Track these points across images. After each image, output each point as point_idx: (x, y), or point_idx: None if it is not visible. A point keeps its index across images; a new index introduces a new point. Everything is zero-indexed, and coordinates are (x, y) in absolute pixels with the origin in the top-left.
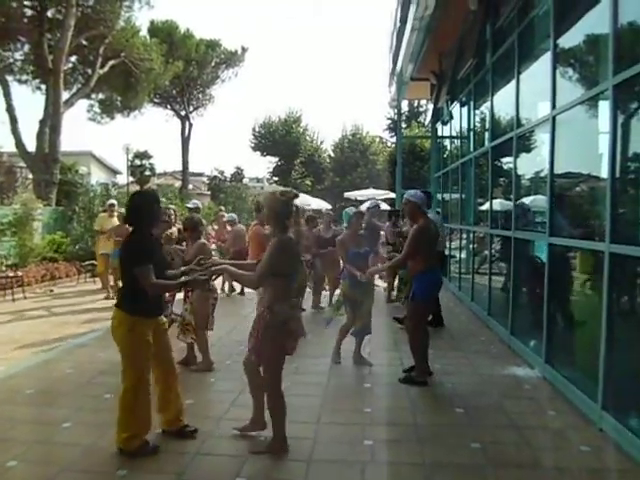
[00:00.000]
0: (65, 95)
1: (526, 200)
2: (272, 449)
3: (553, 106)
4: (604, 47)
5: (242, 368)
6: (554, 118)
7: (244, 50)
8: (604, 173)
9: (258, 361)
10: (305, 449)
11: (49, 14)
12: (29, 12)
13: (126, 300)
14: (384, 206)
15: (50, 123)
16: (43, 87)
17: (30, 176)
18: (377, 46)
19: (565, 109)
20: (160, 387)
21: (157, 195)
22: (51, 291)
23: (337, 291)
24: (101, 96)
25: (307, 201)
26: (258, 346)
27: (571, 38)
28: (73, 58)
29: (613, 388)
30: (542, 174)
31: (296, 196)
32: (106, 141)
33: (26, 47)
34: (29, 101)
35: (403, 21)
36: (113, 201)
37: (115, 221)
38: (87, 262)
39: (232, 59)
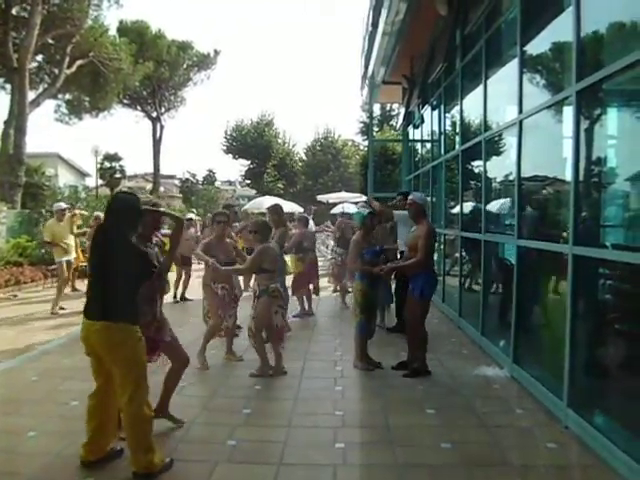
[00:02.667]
0: (31, 95)
1: (495, 203)
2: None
3: (520, 111)
4: (568, 54)
5: (212, 372)
6: (521, 122)
7: (216, 53)
8: (568, 177)
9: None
10: (275, 453)
11: (14, 11)
12: None
13: (129, 310)
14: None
15: (15, 123)
16: (8, 86)
17: None
18: (349, 49)
19: (531, 114)
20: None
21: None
22: (15, 296)
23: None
24: (68, 96)
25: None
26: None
27: (537, 45)
28: (39, 57)
29: (578, 386)
30: (510, 177)
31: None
32: (74, 143)
33: None
34: None
35: (374, 25)
36: (62, 204)
37: (65, 227)
38: (53, 266)
39: (204, 61)
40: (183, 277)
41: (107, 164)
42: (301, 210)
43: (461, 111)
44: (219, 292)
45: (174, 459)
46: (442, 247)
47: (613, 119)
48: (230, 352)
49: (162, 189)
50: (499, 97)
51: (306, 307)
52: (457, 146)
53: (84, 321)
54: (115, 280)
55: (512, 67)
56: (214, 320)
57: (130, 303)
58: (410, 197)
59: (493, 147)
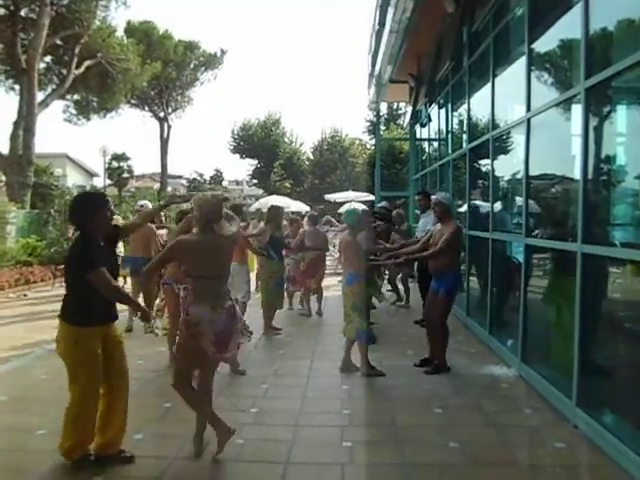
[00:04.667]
0: (40, 96)
1: (503, 202)
2: (222, 440)
3: (528, 109)
4: (576, 51)
5: (220, 371)
6: (529, 120)
7: (223, 52)
8: (577, 175)
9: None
10: (283, 451)
11: (22, 13)
12: (1, 11)
13: (69, 310)
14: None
15: (24, 124)
16: (17, 87)
17: (3, 178)
18: (356, 48)
19: (539, 112)
20: (102, 405)
21: (104, 196)
22: (25, 295)
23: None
24: (77, 97)
25: (287, 203)
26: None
27: (545, 42)
28: (48, 58)
29: (587, 386)
30: (518, 176)
31: (226, 199)
32: (82, 143)
33: None
34: (2, 102)
35: (381, 23)
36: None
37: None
38: (63, 266)
39: (211, 61)
40: None
41: (115, 164)
42: (308, 209)
43: (468, 109)
44: (181, 293)
45: (135, 456)
46: None
47: (622, 117)
48: None
49: (169, 189)
50: (507, 95)
51: (314, 306)
52: (464, 144)
53: None
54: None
55: (520, 65)
56: (171, 321)
57: (72, 300)
58: (435, 197)
59: (501, 145)
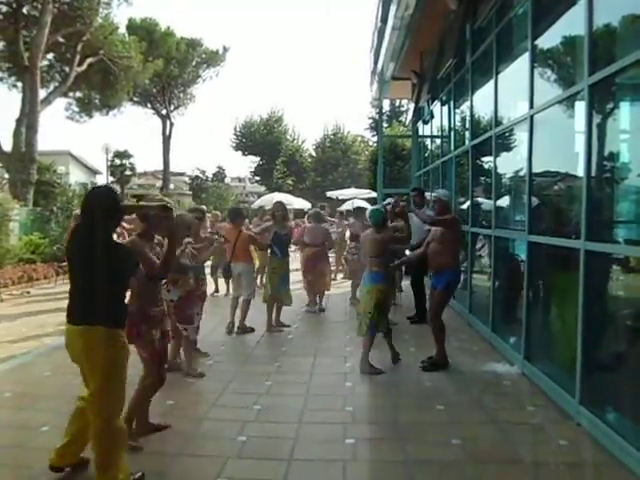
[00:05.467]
0: (42, 93)
1: (506, 198)
2: None
3: (531, 105)
4: (580, 48)
5: (223, 368)
6: (532, 117)
7: (225, 50)
8: (580, 172)
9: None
10: (286, 448)
11: (24, 11)
12: (4, 8)
13: (115, 315)
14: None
15: (27, 122)
16: (19, 85)
17: (6, 176)
18: (359, 45)
19: (543, 108)
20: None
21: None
22: (28, 293)
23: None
24: (79, 94)
25: (289, 201)
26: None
27: (548, 39)
28: (50, 55)
29: (590, 383)
30: (521, 173)
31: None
32: (85, 140)
33: (1, 44)
34: (5, 99)
35: (384, 20)
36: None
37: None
38: (65, 263)
39: (213, 58)
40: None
41: (117, 161)
42: (309, 206)
43: (471, 106)
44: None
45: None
46: None
47: (626, 113)
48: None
49: (172, 186)
50: (510, 92)
51: (318, 302)
52: (467, 142)
53: (66, 327)
54: (97, 280)
55: (523, 61)
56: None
57: (115, 303)
58: (435, 194)
59: (504, 142)
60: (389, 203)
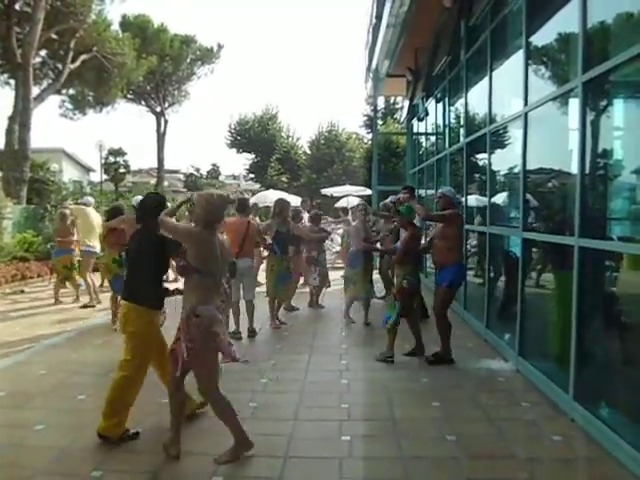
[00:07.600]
0: (35, 90)
1: (501, 195)
2: (237, 452)
3: (525, 103)
4: (574, 45)
5: (222, 367)
6: (526, 115)
7: (220, 47)
8: (574, 169)
9: (187, 369)
10: (281, 446)
11: (17, 7)
12: None
13: (146, 296)
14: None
15: (20, 119)
16: (12, 82)
17: None
18: (354, 42)
19: (537, 106)
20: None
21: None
22: (22, 291)
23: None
24: (72, 91)
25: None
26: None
27: (543, 36)
28: (43, 52)
29: (584, 379)
30: (515, 170)
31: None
32: (78, 138)
33: None
34: None
35: (379, 17)
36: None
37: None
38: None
39: (208, 55)
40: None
41: (111, 159)
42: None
43: (466, 104)
44: None
45: (139, 431)
46: None
47: (620, 111)
48: None
49: (166, 184)
50: (504, 89)
51: (316, 300)
52: (462, 139)
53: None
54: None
55: (518, 59)
56: None
57: (149, 286)
58: (440, 190)
59: (498, 140)
60: (398, 199)
